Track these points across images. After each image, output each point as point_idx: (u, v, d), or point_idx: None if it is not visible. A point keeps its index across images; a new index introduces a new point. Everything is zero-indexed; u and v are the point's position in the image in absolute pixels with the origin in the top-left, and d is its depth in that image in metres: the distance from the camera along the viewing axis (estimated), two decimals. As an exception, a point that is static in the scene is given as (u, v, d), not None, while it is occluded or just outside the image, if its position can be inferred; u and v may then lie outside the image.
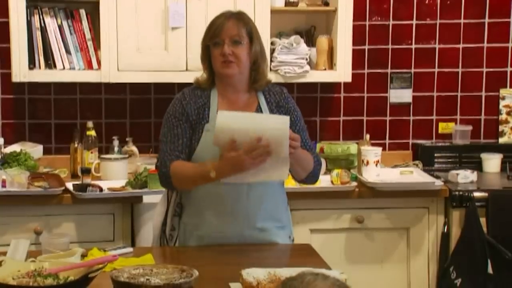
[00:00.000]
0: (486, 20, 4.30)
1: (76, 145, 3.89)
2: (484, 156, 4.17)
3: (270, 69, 3.85)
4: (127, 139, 3.99)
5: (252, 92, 2.75)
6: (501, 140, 4.35)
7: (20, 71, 3.70)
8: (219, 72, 2.69)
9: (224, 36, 2.64)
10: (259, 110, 2.73)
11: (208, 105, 2.70)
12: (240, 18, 2.70)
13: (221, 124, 2.47)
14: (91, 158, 3.83)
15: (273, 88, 2.79)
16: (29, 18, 3.72)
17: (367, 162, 3.77)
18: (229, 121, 2.47)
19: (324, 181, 3.69)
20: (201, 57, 2.76)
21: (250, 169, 2.47)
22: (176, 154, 2.66)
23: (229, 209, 2.66)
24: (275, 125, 2.47)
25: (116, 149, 3.91)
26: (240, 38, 2.65)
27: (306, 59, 3.91)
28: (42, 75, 3.76)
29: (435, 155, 4.24)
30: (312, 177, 2.79)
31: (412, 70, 4.31)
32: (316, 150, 2.84)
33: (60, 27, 3.79)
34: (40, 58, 3.75)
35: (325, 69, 3.96)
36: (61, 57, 3.78)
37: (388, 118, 4.32)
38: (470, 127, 4.28)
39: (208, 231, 2.68)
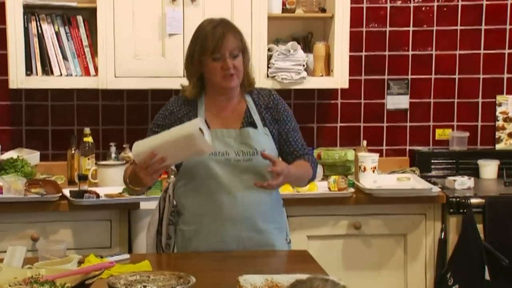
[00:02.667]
0: (483, 26, 4.31)
1: (73, 151, 3.90)
2: (481, 162, 4.18)
3: (268, 76, 3.86)
4: (124, 145, 3.99)
5: (240, 96, 2.77)
6: (498, 147, 4.36)
7: (17, 78, 3.70)
8: (220, 85, 2.69)
9: (225, 50, 2.65)
10: (247, 113, 2.74)
11: (194, 113, 2.72)
12: (234, 30, 2.71)
13: (137, 151, 2.53)
14: (88, 164, 3.83)
15: (262, 91, 2.81)
16: (26, 25, 3.73)
17: (364, 169, 3.77)
18: (145, 145, 2.53)
19: (321, 187, 3.69)
20: (190, 69, 2.74)
21: (148, 181, 2.54)
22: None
23: (227, 214, 2.66)
24: (179, 132, 2.49)
25: (113, 155, 3.91)
26: (238, 50, 2.68)
27: (303, 66, 3.92)
28: (39, 81, 3.76)
29: (432, 161, 4.24)
30: (312, 180, 2.86)
31: (409, 77, 4.32)
32: (309, 149, 2.85)
33: (57, 34, 3.79)
34: (37, 64, 3.75)
35: (322, 76, 3.97)
36: (58, 63, 3.78)
37: (385, 125, 4.33)
38: (467, 134, 4.29)
39: (206, 237, 2.69)
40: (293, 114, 2.82)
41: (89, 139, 3.89)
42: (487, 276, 3.55)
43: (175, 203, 2.78)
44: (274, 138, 2.75)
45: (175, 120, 2.72)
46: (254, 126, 2.72)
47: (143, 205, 3.48)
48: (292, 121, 2.79)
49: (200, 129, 2.48)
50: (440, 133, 4.36)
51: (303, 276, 2.15)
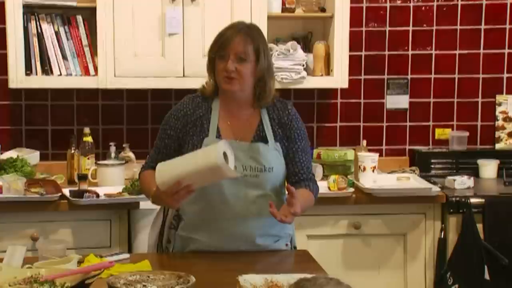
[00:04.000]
0: (482, 26, 4.31)
1: (73, 151, 3.89)
2: (480, 162, 4.18)
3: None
4: (124, 145, 3.99)
5: (256, 108, 2.70)
6: (498, 146, 4.36)
7: (17, 77, 3.70)
8: (220, 86, 2.66)
9: (230, 51, 2.59)
10: (260, 127, 2.69)
11: (207, 117, 2.68)
12: (249, 33, 2.63)
13: (161, 180, 2.49)
14: (88, 164, 3.83)
15: (278, 104, 2.73)
16: (26, 25, 3.73)
17: (364, 168, 3.77)
18: (169, 173, 2.48)
19: (321, 187, 3.64)
20: (207, 66, 2.72)
21: (175, 206, 2.57)
22: (152, 165, 2.69)
23: (227, 229, 2.63)
24: (205, 162, 2.42)
25: (113, 155, 3.91)
26: (246, 55, 2.60)
27: (303, 65, 3.92)
28: (39, 81, 3.76)
29: (432, 161, 4.24)
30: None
31: (409, 76, 4.32)
32: (313, 175, 2.80)
33: (57, 33, 3.79)
34: (37, 64, 3.75)
35: (322, 75, 3.97)
36: (58, 63, 3.78)
37: (384, 124, 4.33)
38: (466, 133, 4.29)
39: (204, 246, 2.66)
40: (306, 133, 2.75)
41: (89, 138, 3.89)
42: (486, 276, 3.55)
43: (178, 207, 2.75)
44: (284, 154, 2.70)
45: (188, 122, 2.67)
46: (266, 140, 2.67)
47: (143, 205, 3.47)
48: (303, 140, 2.72)
49: (224, 153, 2.43)
50: (439, 133, 4.36)
51: (304, 276, 2.16)
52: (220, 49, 2.62)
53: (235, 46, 2.60)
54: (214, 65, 2.66)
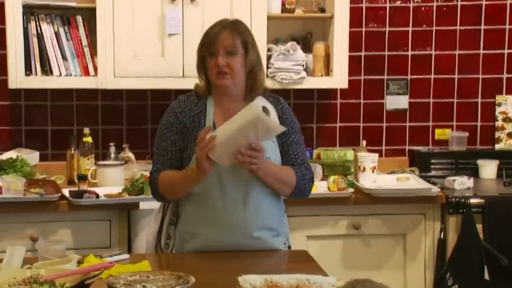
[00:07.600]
0: (482, 26, 4.31)
1: (72, 151, 3.89)
2: (480, 162, 4.18)
3: (267, 76, 3.86)
4: (123, 145, 3.99)
5: (248, 101, 2.70)
6: (497, 147, 4.36)
7: (17, 78, 3.70)
8: (213, 83, 2.69)
9: (219, 46, 2.63)
10: None
11: (204, 113, 2.71)
12: (235, 28, 2.68)
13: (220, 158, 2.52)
14: (87, 164, 3.83)
15: (270, 98, 2.75)
16: (25, 25, 3.73)
17: (364, 169, 3.77)
18: (223, 149, 2.50)
19: (320, 188, 3.69)
20: (197, 66, 2.76)
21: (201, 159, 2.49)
22: (165, 168, 2.69)
23: (225, 221, 2.65)
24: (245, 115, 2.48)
25: (112, 155, 3.91)
26: (235, 49, 2.64)
27: (303, 66, 3.92)
28: (38, 81, 3.76)
29: (432, 161, 4.24)
30: (299, 193, 2.75)
31: (409, 77, 4.32)
32: (308, 165, 2.78)
33: (57, 34, 3.79)
34: (36, 64, 3.75)
35: (321, 76, 3.97)
36: (57, 63, 3.78)
37: (384, 125, 4.33)
38: (466, 134, 4.29)
39: (204, 241, 2.68)
40: (299, 125, 2.79)
41: (89, 139, 3.89)
42: (486, 276, 3.55)
43: (178, 203, 2.77)
44: (279, 145, 2.72)
45: (187, 118, 2.69)
46: None
47: (143, 205, 3.47)
48: (296, 133, 2.75)
49: (265, 108, 2.46)
50: (439, 133, 4.36)
51: (303, 276, 2.16)
52: (209, 46, 2.66)
53: (224, 41, 2.64)
54: (205, 64, 2.70)
